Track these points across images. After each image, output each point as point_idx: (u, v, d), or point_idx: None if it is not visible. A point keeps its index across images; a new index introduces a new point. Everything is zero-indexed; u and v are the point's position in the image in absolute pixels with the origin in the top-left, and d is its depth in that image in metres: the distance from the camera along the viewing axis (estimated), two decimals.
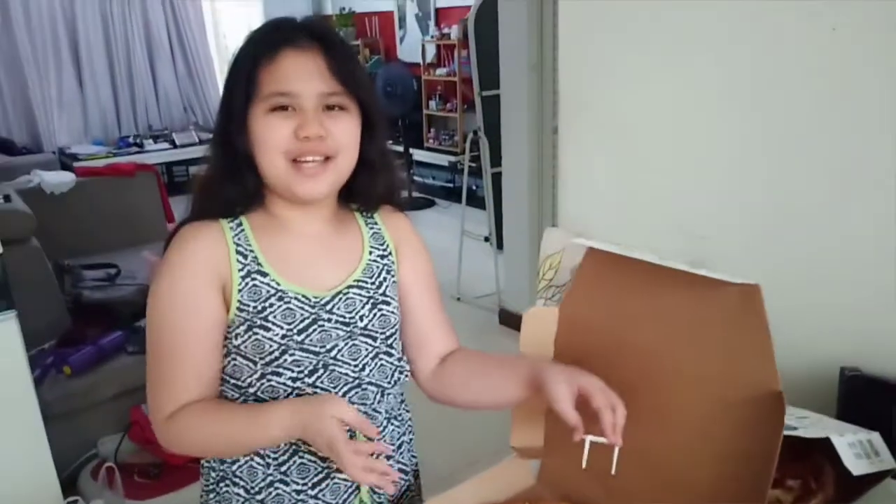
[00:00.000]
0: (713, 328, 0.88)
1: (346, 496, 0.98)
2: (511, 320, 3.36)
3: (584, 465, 0.87)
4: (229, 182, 0.95)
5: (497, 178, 3.56)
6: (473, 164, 3.88)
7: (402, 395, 1.07)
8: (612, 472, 0.86)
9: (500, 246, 3.72)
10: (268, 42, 0.92)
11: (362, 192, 1.01)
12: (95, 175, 3.69)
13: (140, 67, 6.51)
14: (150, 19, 6.53)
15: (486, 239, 3.99)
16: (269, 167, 0.92)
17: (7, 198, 2.37)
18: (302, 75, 0.90)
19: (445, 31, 5.87)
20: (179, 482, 2.11)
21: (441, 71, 6.03)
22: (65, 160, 5.62)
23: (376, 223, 1.05)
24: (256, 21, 7.49)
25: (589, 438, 0.87)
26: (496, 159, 3.50)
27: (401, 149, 5.81)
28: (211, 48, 7.06)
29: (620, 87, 1.39)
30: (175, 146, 6.18)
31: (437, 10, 6.09)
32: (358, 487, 0.98)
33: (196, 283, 0.92)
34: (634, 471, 0.91)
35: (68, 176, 3.48)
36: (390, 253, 1.03)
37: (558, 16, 1.45)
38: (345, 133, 0.93)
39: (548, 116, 2.93)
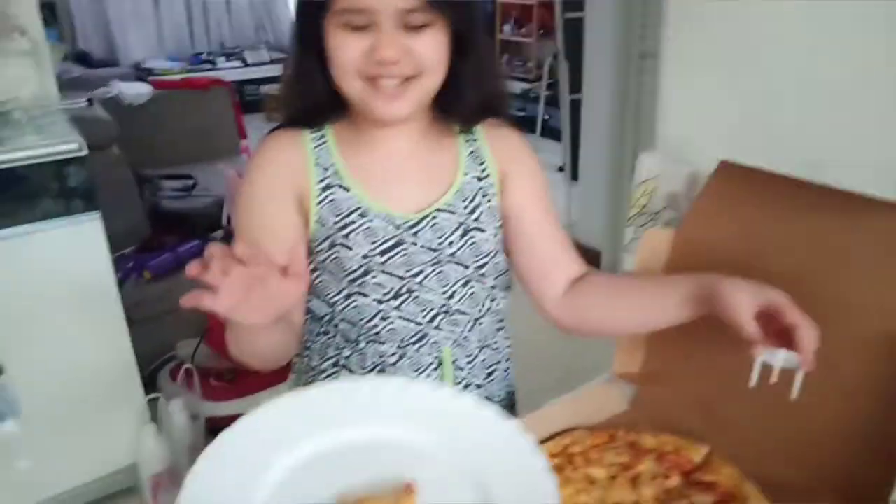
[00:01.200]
0: (864, 254, 0.79)
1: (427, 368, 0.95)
2: (583, 254, 3.28)
3: (752, 384, 0.79)
4: (306, 91, 0.89)
5: (575, 106, 3.43)
6: (549, 93, 3.74)
7: (500, 321, 1.02)
8: (794, 396, 0.78)
9: (574, 177, 3.61)
10: None
11: (456, 108, 0.92)
12: (171, 88, 3.71)
13: None
14: None
15: (561, 169, 3.88)
16: (345, 87, 0.85)
17: (90, 102, 2.39)
18: None
19: None
20: (254, 387, 2.16)
21: None
22: (140, 74, 5.68)
23: (476, 140, 0.96)
24: None
25: (776, 356, 0.77)
26: (575, 86, 3.37)
27: None
28: None
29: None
30: (246, 65, 6.18)
31: None
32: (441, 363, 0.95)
33: (271, 195, 0.90)
34: (742, 402, 0.86)
35: (145, 88, 3.50)
36: (489, 175, 0.95)
37: None
38: (429, 51, 0.83)
39: (635, 40, 2.78)
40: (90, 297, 1.83)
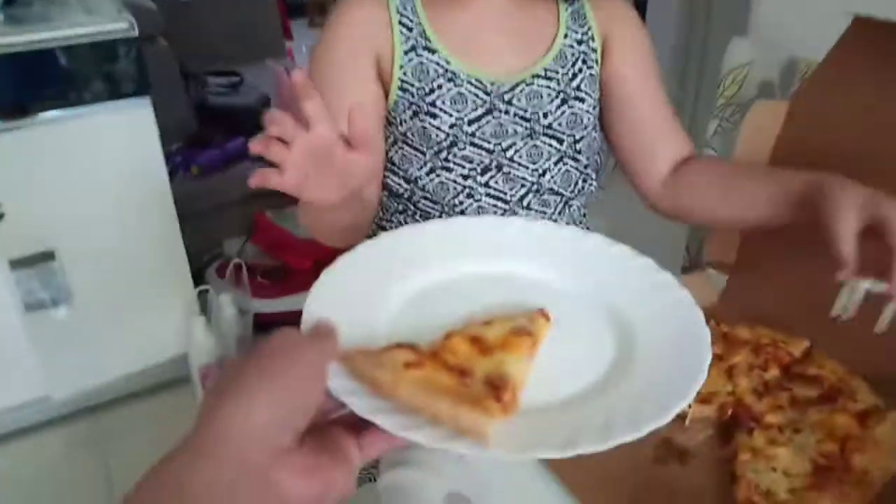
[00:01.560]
0: None
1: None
2: None
3: (832, 314, 0.71)
4: None
5: None
6: None
7: (585, 208, 0.94)
8: (881, 328, 0.70)
9: None
10: None
11: None
12: None
13: None
14: None
15: None
16: None
17: None
18: None
19: None
20: (302, 285, 2.14)
21: None
22: None
23: (579, 0, 0.87)
24: None
25: (864, 285, 0.68)
26: None
27: None
28: None
29: None
30: None
31: None
32: None
33: (347, 59, 0.82)
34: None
35: None
36: (592, 38, 0.86)
37: None
38: None
39: None
40: (140, 186, 1.80)
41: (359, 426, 0.44)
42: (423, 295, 0.60)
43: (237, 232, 2.35)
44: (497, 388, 0.45)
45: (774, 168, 0.82)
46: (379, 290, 0.59)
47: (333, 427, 0.44)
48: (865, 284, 0.69)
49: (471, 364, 0.48)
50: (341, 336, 0.47)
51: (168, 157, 2.36)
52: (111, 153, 1.74)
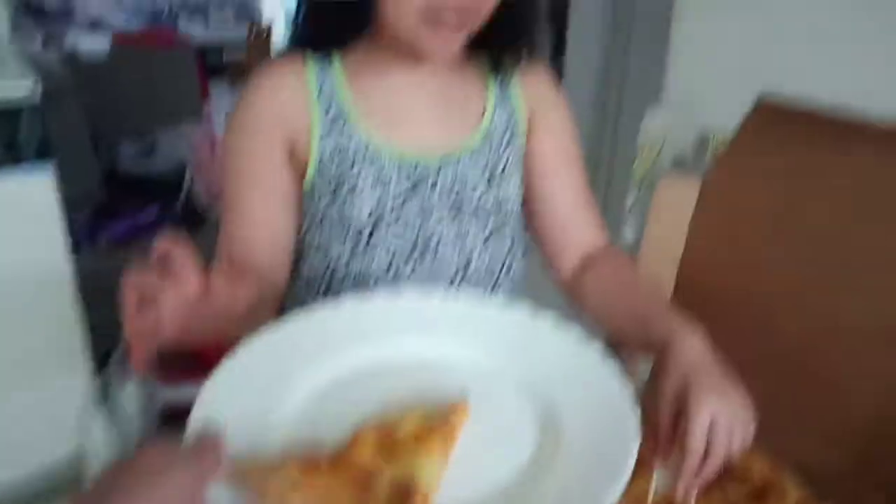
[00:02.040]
0: None
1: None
2: None
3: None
4: (332, 6, 0.75)
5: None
6: None
7: (512, 285, 0.89)
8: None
9: None
10: None
11: (496, 44, 0.80)
12: (131, 44, 3.50)
13: None
14: None
15: None
16: (396, 20, 0.71)
17: (45, 43, 2.21)
18: None
19: None
20: (214, 366, 2.02)
21: None
22: (97, 29, 5.43)
23: (506, 76, 0.84)
24: None
25: (655, 474, 0.61)
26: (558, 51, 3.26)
27: None
28: None
29: None
30: (210, 28, 5.97)
31: None
32: None
33: (258, 137, 0.77)
34: (776, 378, 0.76)
35: (102, 41, 3.31)
36: (518, 117, 0.84)
37: None
38: None
39: None
40: (37, 260, 1.67)
41: None
42: (334, 383, 0.55)
43: None
44: (405, 498, 0.41)
45: (655, 303, 0.74)
46: (282, 380, 0.55)
47: None
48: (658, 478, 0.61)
49: (378, 469, 0.43)
50: (233, 438, 0.42)
51: (73, 227, 2.24)
52: (5, 223, 1.61)
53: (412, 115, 0.80)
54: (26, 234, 1.63)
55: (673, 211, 0.91)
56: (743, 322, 0.81)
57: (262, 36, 5.85)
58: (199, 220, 2.33)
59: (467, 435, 0.49)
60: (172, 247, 0.54)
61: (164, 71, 3.39)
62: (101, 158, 2.62)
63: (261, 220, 0.78)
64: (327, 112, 0.77)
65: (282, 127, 0.77)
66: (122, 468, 0.38)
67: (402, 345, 0.60)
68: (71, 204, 2.11)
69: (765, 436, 0.71)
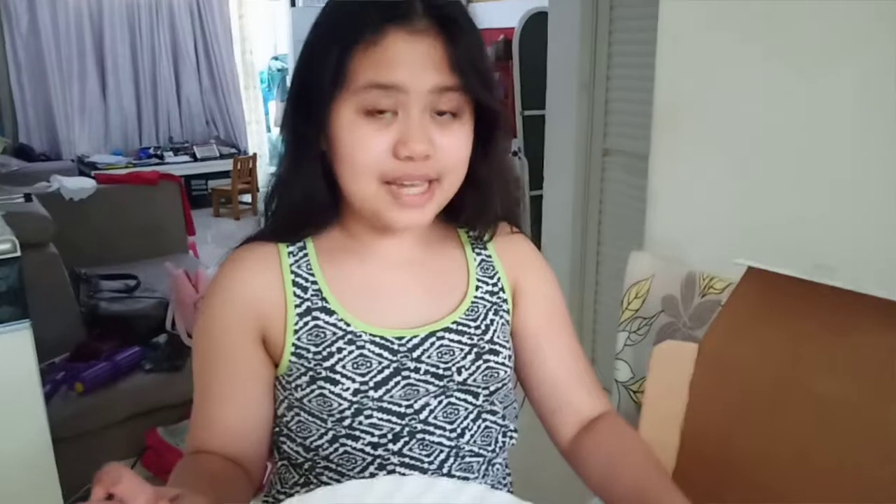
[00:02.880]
0: None
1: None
2: None
3: None
4: (298, 194, 0.76)
5: (535, 203, 3.40)
6: None
7: (507, 467, 0.86)
8: None
9: None
10: (367, 15, 0.68)
11: (471, 216, 0.80)
12: (117, 182, 3.54)
13: (165, 78, 6.45)
14: (178, 30, 6.48)
15: None
16: (357, 190, 0.72)
17: (28, 197, 2.23)
18: (412, 63, 0.68)
19: None
20: None
21: None
22: (83, 169, 5.51)
23: (485, 248, 0.84)
24: (282, 38, 7.45)
25: None
26: (535, 182, 3.35)
27: None
28: (237, 62, 6.98)
29: (730, 91, 1.23)
30: (196, 159, 6.08)
31: None
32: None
33: (228, 327, 0.75)
34: None
35: (89, 182, 3.34)
36: (502, 288, 0.82)
37: (661, 17, 1.28)
38: (455, 148, 0.72)
39: (598, 137, 2.78)
40: (12, 415, 1.61)
41: None
42: None
43: (127, 453, 2.13)
44: None
45: (652, 476, 0.73)
46: None
47: None
48: None
49: None
50: None
51: (50, 372, 2.18)
52: None
53: (391, 294, 0.78)
54: (2, 389, 1.57)
55: (669, 376, 0.89)
56: (748, 487, 0.79)
57: (246, 166, 6.00)
58: (180, 361, 2.27)
59: None
60: (116, 484, 0.51)
61: (148, 207, 3.41)
62: (82, 298, 2.58)
63: (234, 405, 0.75)
64: (302, 296, 0.75)
65: (255, 311, 0.75)
66: None
67: None
68: (49, 347, 2.06)
69: None
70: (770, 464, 0.76)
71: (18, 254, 1.58)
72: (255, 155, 6.34)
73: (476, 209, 0.79)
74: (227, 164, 5.99)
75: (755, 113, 1.19)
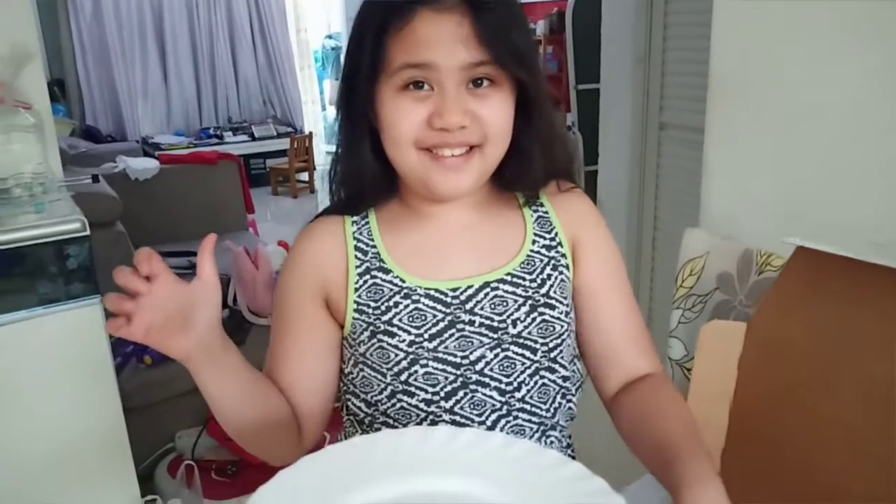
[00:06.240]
0: None
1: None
2: None
3: None
4: (355, 171, 0.81)
5: (590, 179, 3.37)
6: None
7: (569, 437, 0.87)
8: None
9: None
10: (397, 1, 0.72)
11: (519, 180, 0.82)
12: (179, 163, 3.66)
13: (223, 60, 6.58)
14: (234, 12, 6.60)
15: None
16: (400, 160, 0.76)
17: (95, 178, 2.32)
18: (441, 41, 0.71)
19: (531, 27, 5.71)
20: (257, 481, 1.99)
21: None
22: (147, 149, 5.70)
23: (542, 205, 0.86)
24: (336, 17, 7.49)
25: None
26: (590, 157, 3.31)
27: None
28: (292, 42, 7.07)
29: (787, 64, 1.20)
30: (254, 139, 6.21)
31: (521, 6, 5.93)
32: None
33: (298, 292, 0.83)
34: None
35: (152, 163, 3.46)
36: (560, 243, 0.83)
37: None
38: (494, 117, 0.74)
39: (654, 111, 2.72)
40: (85, 388, 1.70)
41: None
42: None
43: (192, 423, 2.22)
44: None
45: (678, 435, 0.72)
46: None
47: None
48: None
49: None
50: None
51: (119, 346, 2.28)
52: (54, 353, 1.65)
53: (446, 252, 0.82)
54: (74, 361, 1.67)
55: (717, 357, 0.88)
56: (797, 467, 0.78)
57: (303, 145, 6.10)
58: (242, 335, 2.34)
59: None
60: (148, 260, 0.66)
61: (209, 186, 3.53)
62: None
63: (300, 364, 0.82)
64: (363, 258, 0.81)
65: (320, 275, 0.82)
66: None
67: (431, 483, 0.62)
68: None
69: None
70: (818, 444, 0.76)
71: (88, 232, 1.65)
72: (311, 134, 6.44)
73: (515, 172, 0.81)
74: (284, 143, 6.11)
75: (812, 87, 1.16)
